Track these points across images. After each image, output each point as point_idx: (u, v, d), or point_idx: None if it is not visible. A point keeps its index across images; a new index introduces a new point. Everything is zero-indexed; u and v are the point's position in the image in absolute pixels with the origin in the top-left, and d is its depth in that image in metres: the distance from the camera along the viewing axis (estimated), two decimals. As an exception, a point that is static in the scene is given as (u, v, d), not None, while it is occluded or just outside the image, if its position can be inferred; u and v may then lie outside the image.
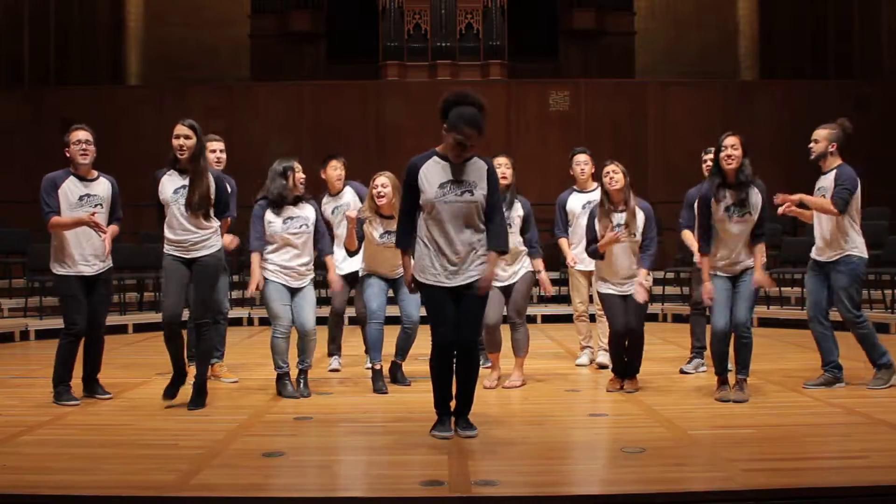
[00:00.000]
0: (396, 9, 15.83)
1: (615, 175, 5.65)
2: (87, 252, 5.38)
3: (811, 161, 5.78)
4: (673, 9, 17.86)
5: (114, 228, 5.49)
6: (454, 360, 4.45)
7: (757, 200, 5.32)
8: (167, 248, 5.22)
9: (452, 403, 4.51)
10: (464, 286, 4.38)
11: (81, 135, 5.41)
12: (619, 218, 5.65)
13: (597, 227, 5.69)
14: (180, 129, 5.19)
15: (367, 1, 16.60)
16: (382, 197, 5.72)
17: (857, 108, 12.72)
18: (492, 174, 4.43)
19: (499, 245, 4.41)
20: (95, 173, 5.50)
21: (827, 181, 5.69)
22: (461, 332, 4.40)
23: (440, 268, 4.36)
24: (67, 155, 5.41)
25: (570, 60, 17.45)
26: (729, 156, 5.28)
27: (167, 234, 5.20)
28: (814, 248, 5.82)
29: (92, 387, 5.63)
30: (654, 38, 17.67)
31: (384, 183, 5.78)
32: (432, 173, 4.36)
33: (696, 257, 6.34)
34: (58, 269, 5.40)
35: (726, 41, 17.55)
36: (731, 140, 5.31)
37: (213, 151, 6.07)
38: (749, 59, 17.57)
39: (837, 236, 5.64)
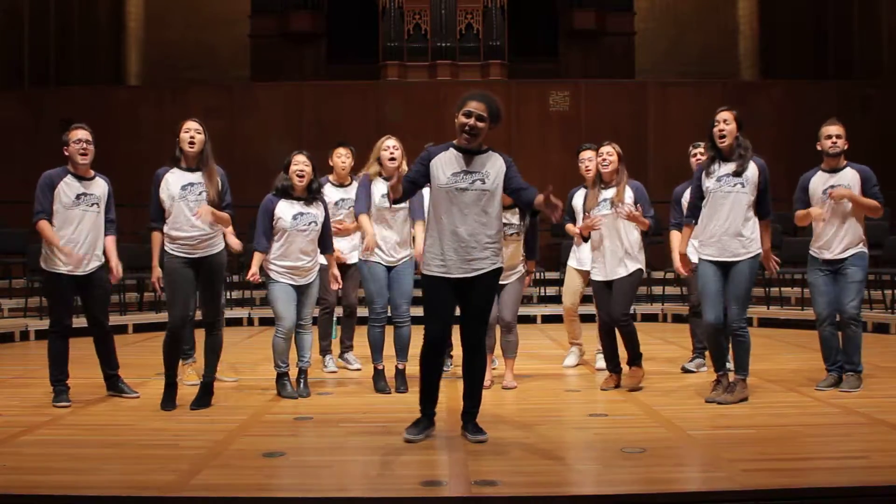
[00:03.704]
0: (396, 9, 15.84)
1: (609, 157, 5.75)
2: (84, 248, 5.36)
3: (830, 156, 5.66)
4: (673, 9, 17.88)
5: (110, 245, 5.51)
6: (441, 359, 4.45)
7: (753, 174, 5.23)
8: (171, 249, 5.17)
9: (457, 405, 4.49)
10: (470, 280, 4.31)
11: (81, 134, 5.40)
12: (607, 194, 5.73)
13: (584, 203, 5.85)
14: (191, 123, 5.22)
15: (367, 1, 16.62)
16: (395, 159, 5.66)
17: (860, 108, 12.73)
18: (510, 167, 4.37)
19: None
20: (92, 173, 5.50)
21: (843, 179, 5.64)
22: (469, 328, 4.36)
23: (446, 257, 4.28)
24: (66, 154, 5.40)
25: (571, 60, 17.46)
26: (721, 130, 5.28)
27: (172, 233, 5.16)
28: (820, 248, 5.71)
29: (116, 386, 5.63)
30: (655, 39, 17.68)
31: (395, 145, 5.73)
32: (446, 162, 4.32)
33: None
34: (48, 267, 5.36)
35: (726, 41, 17.57)
36: (723, 115, 5.30)
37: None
38: (749, 59, 17.59)
39: (855, 233, 5.63)
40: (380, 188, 5.68)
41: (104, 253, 5.54)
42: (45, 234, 5.30)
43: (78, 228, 5.36)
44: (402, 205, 5.53)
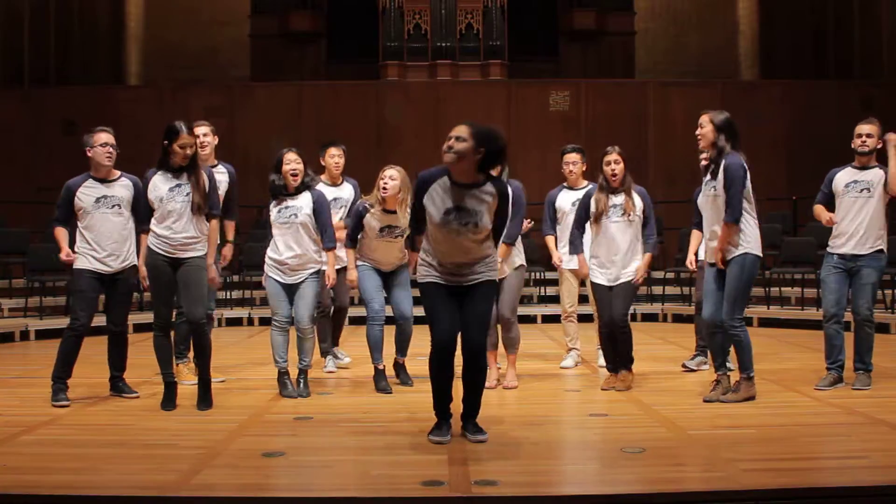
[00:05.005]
0: (396, 9, 15.84)
1: (616, 166, 5.72)
2: (107, 250, 5.41)
3: (860, 154, 5.68)
4: (673, 9, 17.86)
5: (142, 243, 5.42)
6: (450, 363, 4.38)
7: (721, 175, 5.15)
8: (154, 244, 5.18)
9: (454, 406, 4.46)
10: (465, 287, 4.33)
11: (107, 137, 5.46)
12: (617, 200, 5.70)
13: (591, 205, 5.76)
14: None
15: (367, 1, 16.61)
16: (387, 189, 5.65)
17: (862, 108, 12.73)
18: (503, 200, 4.29)
19: (509, 238, 5.26)
20: (117, 174, 5.53)
21: (870, 176, 5.66)
22: (468, 334, 4.33)
23: (440, 270, 4.34)
24: (89, 155, 5.43)
25: (571, 60, 17.46)
26: (697, 134, 5.32)
27: (158, 230, 5.17)
28: (840, 243, 5.70)
29: (118, 386, 5.64)
30: (655, 39, 17.67)
31: (392, 175, 5.72)
32: (439, 195, 4.25)
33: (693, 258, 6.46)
34: (77, 264, 5.44)
35: (726, 41, 17.55)
36: (701, 118, 5.33)
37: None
38: (749, 59, 17.56)
39: (878, 230, 5.64)
40: (377, 222, 5.72)
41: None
42: (59, 240, 5.47)
43: (100, 231, 5.40)
44: (402, 228, 5.71)
